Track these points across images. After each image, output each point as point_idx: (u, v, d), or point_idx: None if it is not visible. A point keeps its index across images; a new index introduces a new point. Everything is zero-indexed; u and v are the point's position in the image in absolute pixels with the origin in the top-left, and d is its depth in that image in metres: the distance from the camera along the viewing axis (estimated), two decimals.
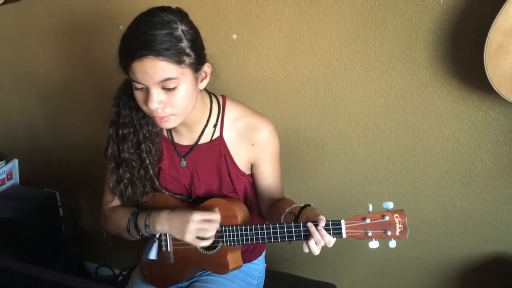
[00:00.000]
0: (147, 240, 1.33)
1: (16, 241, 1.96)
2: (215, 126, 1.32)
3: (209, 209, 1.29)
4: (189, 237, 1.21)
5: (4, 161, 2.17)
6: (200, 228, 1.21)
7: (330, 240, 1.11)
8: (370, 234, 1.10)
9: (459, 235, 1.66)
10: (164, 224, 1.26)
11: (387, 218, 1.10)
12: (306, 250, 1.13)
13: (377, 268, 1.85)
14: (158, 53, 1.07)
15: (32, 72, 2.15)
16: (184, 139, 1.35)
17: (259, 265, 1.54)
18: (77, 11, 1.91)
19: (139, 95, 1.16)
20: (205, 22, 1.67)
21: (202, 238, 1.22)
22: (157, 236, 1.31)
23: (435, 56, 1.45)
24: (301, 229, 1.15)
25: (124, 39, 1.12)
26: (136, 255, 1.46)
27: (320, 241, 1.11)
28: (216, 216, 1.23)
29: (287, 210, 1.23)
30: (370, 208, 1.11)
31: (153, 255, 1.30)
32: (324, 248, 1.14)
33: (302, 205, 1.23)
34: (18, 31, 2.08)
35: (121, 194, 1.36)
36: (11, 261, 1.01)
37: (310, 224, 1.11)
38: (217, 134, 1.32)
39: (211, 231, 1.21)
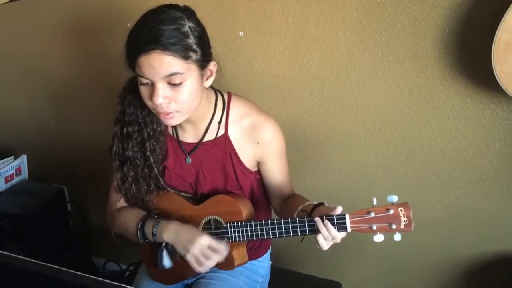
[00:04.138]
0: (155, 246, 1.33)
1: (25, 236, 1.98)
2: (219, 123, 1.32)
3: (214, 206, 1.31)
4: (191, 258, 1.21)
5: (12, 156, 2.19)
6: (204, 253, 1.21)
7: (336, 235, 1.11)
8: (374, 227, 1.10)
9: (466, 234, 1.65)
10: (171, 234, 1.26)
11: (391, 211, 1.09)
12: (318, 245, 1.13)
13: (383, 266, 1.85)
14: (165, 47, 1.08)
15: (40, 69, 2.16)
16: (189, 136, 1.35)
17: (264, 262, 1.54)
18: (84, 8, 1.92)
19: (144, 90, 1.16)
20: (211, 19, 1.67)
21: (202, 263, 1.21)
22: (164, 244, 1.30)
23: (443, 54, 1.44)
24: (306, 224, 1.15)
25: (132, 34, 1.13)
26: (142, 251, 1.47)
27: (328, 236, 1.11)
28: (223, 248, 1.21)
29: (299, 207, 1.23)
30: (375, 202, 1.11)
31: (167, 263, 1.30)
32: (330, 246, 1.14)
33: (316, 202, 1.23)
34: (26, 29, 2.09)
35: (125, 192, 1.36)
36: (17, 257, 1.02)
37: (317, 219, 1.11)
38: (221, 132, 1.32)
39: (212, 260, 1.21)
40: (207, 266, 1.22)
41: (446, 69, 1.45)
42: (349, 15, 1.50)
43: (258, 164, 1.39)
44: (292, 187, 1.44)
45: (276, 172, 1.39)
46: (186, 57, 1.11)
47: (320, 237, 1.11)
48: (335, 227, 1.11)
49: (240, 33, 1.67)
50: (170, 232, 1.26)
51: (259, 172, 1.41)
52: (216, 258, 1.21)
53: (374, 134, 1.63)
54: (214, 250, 1.21)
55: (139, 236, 1.32)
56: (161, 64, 1.09)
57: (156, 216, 1.32)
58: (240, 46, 1.69)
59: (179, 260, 1.34)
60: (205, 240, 1.21)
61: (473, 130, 1.50)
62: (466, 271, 1.70)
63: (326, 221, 1.10)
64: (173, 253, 1.32)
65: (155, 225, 1.29)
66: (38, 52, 2.13)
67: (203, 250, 1.20)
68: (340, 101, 1.63)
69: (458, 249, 1.68)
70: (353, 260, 1.88)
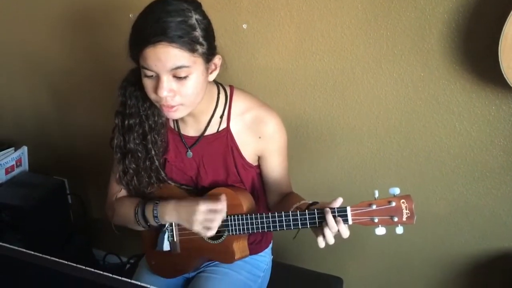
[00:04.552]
0: (155, 230, 1.34)
1: (25, 228, 1.97)
2: (221, 116, 1.31)
3: (215, 198, 1.29)
4: (197, 227, 1.22)
5: (13, 148, 2.18)
6: (206, 218, 1.21)
7: (344, 230, 1.10)
8: (376, 220, 1.09)
9: (468, 230, 1.64)
10: (172, 214, 1.27)
11: (393, 204, 1.09)
12: (321, 244, 1.12)
13: (384, 261, 1.84)
14: (172, 39, 1.06)
15: (40, 60, 2.14)
16: (191, 130, 1.34)
17: (265, 257, 1.54)
18: None
19: (148, 83, 1.15)
20: (215, 11, 1.65)
21: (209, 228, 1.22)
22: (166, 226, 1.32)
23: (449, 48, 1.42)
24: (307, 216, 1.14)
25: (137, 25, 1.11)
26: (143, 244, 1.47)
27: (334, 227, 1.09)
28: (221, 205, 1.22)
29: (294, 206, 1.22)
30: (376, 195, 1.10)
31: (166, 245, 1.33)
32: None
33: (310, 201, 1.22)
34: (26, 19, 2.07)
35: (127, 184, 1.36)
36: (17, 250, 1.01)
37: (326, 209, 1.10)
38: (223, 126, 1.31)
39: (216, 220, 1.21)
40: (215, 227, 1.22)
41: (451, 64, 1.44)
42: (354, 8, 1.48)
43: (259, 158, 1.38)
44: (290, 184, 1.43)
45: (276, 167, 1.38)
46: (192, 50, 1.09)
47: (327, 230, 1.09)
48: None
49: (244, 25, 1.65)
50: (170, 213, 1.27)
51: (259, 167, 1.40)
52: (219, 217, 1.21)
53: (378, 128, 1.62)
54: (214, 211, 1.21)
55: (138, 220, 1.32)
56: (167, 57, 1.08)
57: (154, 200, 1.32)
58: (243, 39, 1.67)
59: (178, 253, 1.34)
60: (202, 206, 1.21)
61: (478, 126, 1.48)
62: (468, 268, 1.69)
63: (339, 218, 1.09)
64: (172, 245, 1.33)
65: (154, 208, 1.29)
66: (38, 44, 2.11)
67: (205, 215, 1.21)
68: (343, 95, 1.62)
69: (461, 245, 1.67)
70: (354, 255, 1.87)
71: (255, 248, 1.47)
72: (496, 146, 1.49)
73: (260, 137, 1.30)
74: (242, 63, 1.70)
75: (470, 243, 1.66)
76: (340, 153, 1.71)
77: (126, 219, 1.37)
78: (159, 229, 1.35)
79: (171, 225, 1.34)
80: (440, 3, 1.38)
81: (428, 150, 1.58)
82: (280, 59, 1.65)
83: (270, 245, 1.57)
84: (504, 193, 1.54)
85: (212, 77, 1.21)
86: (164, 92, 1.12)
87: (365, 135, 1.65)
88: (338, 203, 1.10)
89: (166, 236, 1.33)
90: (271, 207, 1.43)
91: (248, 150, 1.33)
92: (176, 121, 1.35)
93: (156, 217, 1.29)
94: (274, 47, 1.64)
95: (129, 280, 0.95)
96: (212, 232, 1.22)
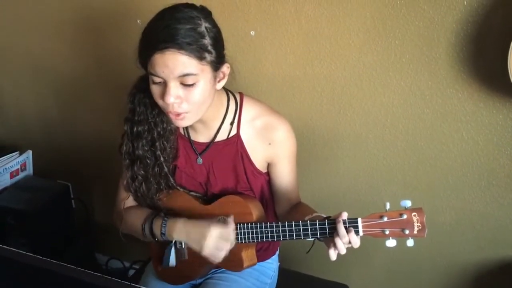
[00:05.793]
0: (163, 245, 1.33)
1: (29, 232, 1.97)
2: (232, 123, 1.31)
3: (225, 207, 1.30)
4: (207, 252, 1.21)
5: (18, 152, 2.18)
6: (217, 246, 1.21)
7: (356, 240, 1.10)
8: (387, 232, 1.09)
9: (474, 239, 1.64)
10: (181, 234, 1.26)
11: (405, 216, 1.09)
12: (332, 256, 1.12)
13: (390, 269, 1.84)
14: (180, 46, 1.06)
15: (46, 65, 2.14)
16: (201, 136, 1.34)
17: (272, 264, 1.54)
18: (93, 3, 1.90)
19: (155, 89, 1.15)
20: (223, 18, 1.64)
21: (217, 256, 1.22)
22: (173, 241, 1.30)
23: (457, 58, 1.42)
24: (317, 227, 1.14)
25: (147, 31, 1.12)
26: (150, 250, 1.46)
27: (345, 237, 1.09)
28: (232, 234, 1.22)
29: (307, 218, 1.21)
30: (388, 207, 1.10)
31: (172, 261, 1.30)
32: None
33: (324, 216, 1.20)
34: (33, 23, 2.07)
35: (135, 191, 1.35)
36: (21, 253, 1.01)
37: (338, 220, 1.10)
38: (234, 132, 1.31)
39: (225, 249, 1.21)
40: (222, 256, 1.22)
41: (459, 73, 1.44)
42: (363, 16, 1.49)
43: (268, 165, 1.37)
44: (298, 195, 1.43)
45: (285, 174, 1.37)
46: (200, 58, 1.10)
47: (337, 240, 1.09)
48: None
49: (252, 32, 1.65)
50: (179, 231, 1.26)
51: (268, 174, 1.40)
52: (228, 247, 1.21)
53: (385, 136, 1.62)
54: (225, 238, 1.21)
55: (145, 233, 1.31)
56: (175, 63, 1.08)
57: (163, 215, 1.31)
58: (251, 45, 1.67)
59: (186, 260, 1.33)
60: (215, 232, 1.20)
61: (485, 135, 1.49)
62: (474, 277, 1.69)
63: (350, 228, 1.09)
64: (180, 251, 1.32)
65: (163, 225, 1.28)
66: (44, 48, 2.11)
67: (216, 242, 1.20)
68: (350, 102, 1.62)
69: (467, 254, 1.67)
70: (360, 263, 1.87)
71: (262, 255, 1.47)
72: (503, 155, 1.49)
73: (270, 143, 1.31)
74: (249, 70, 1.70)
75: (475, 251, 1.66)
76: (347, 160, 1.71)
77: (133, 231, 1.36)
78: (166, 243, 1.32)
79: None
80: (449, 13, 1.38)
81: (435, 158, 1.58)
82: (288, 66, 1.65)
83: (277, 252, 1.57)
84: (511, 202, 1.54)
85: (220, 85, 1.21)
86: (171, 99, 1.12)
87: (371, 143, 1.65)
88: (344, 216, 1.11)
89: (172, 251, 1.30)
90: (280, 216, 1.43)
91: (258, 157, 1.33)
92: (186, 128, 1.35)
93: (164, 234, 1.28)
94: (281, 54, 1.64)
95: (137, 286, 0.94)
96: (218, 260, 1.22)
